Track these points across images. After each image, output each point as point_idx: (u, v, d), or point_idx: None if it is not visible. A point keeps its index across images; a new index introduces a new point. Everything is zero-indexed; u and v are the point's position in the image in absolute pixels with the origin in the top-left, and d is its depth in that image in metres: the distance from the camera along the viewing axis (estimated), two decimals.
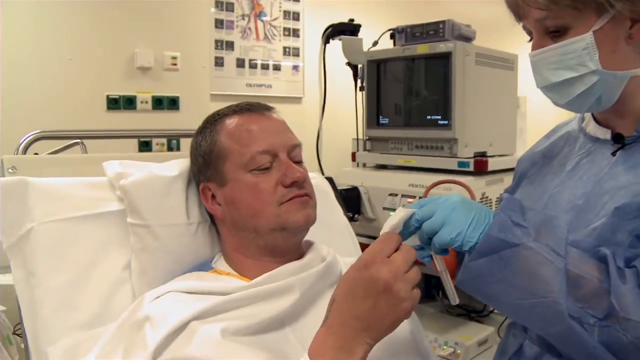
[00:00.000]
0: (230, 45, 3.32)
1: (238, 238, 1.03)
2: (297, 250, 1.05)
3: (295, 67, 3.66)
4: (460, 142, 1.92)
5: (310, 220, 1.02)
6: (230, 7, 3.29)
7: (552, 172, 1.05)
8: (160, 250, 1.07)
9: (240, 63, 3.39)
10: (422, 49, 1.96)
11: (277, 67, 3.56)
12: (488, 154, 2.02)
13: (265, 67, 3.51)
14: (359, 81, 2.35)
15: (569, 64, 0.90)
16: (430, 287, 2.53)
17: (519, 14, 0.94)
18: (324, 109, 2.37)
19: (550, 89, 0.95)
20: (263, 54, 3.48)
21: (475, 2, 4.83)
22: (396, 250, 0.79)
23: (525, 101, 2.33)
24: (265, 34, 3.47)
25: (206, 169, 1.05)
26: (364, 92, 2.36)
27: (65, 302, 1.03)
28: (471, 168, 1.90)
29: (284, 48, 3.59)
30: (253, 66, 3.44)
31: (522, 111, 2.26)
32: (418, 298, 0.77)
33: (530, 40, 0.96)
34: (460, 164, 1.92)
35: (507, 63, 2.10)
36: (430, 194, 1.09)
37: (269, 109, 1.10)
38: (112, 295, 1.07)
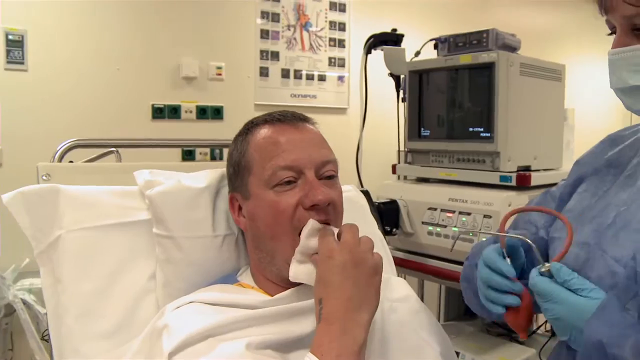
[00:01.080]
0: (275, 56, 3.35)
1: (257, 256, 1.01)
2: None
3: (341, 78, 3.65)
4: (503, 156, 1.85)
5: None
6: (276, 18, 3.32)
7: (617, 184, 0.97)
8: (184, 262, 1.06)
9: (285, 73, 3.41)
10: (464, 59, 1.90)
11: (322, 78, 3.57)
12: (532, 168, 1.94)
13: (310, 77, 3.51)
14: (401, 92, 2.31)
15: None
16: None
17: (606, 6, 0.87)
18: (364, 120, 2.34)
19: (626, 92, 0.89)
20: (308, 64, 3.49)
21: (521, 11, 4.72)
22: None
23: (573, 113, 2.24)
24: (310, 45, 3.48)
25: (235, 179, 1.03)
26: (405, 103, 2.32)
27: (89, 310, 1.03)
28: (513, 182, 1.83)
29: (329, 58, 3.59)
30: (298, 76, 3.46)
31: (569, 124, 2.16)
32: (380, 256, 0.87)
33: (611, 34, 0.91)
34: (502, 178, 1.84)
35: (554, 74, 2.02)
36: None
37: (305, 119, 1.05)
38: (137, 305, 1.07)
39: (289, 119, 1.03)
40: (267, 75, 3.33)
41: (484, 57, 1.84)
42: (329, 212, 0.96)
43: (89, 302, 1.03)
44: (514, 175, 1.83)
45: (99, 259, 1.07)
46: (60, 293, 1.03)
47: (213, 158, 3.12)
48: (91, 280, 1.05)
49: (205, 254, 1.07)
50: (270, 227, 0.95)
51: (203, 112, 3.08)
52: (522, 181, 1.82)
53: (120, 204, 1.14)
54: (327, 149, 1.02)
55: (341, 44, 3.63)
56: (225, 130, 3.18)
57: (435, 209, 1.94)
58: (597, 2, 0.90)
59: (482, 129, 1.91)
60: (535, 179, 1.86)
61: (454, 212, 1.88)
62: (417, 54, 2.16)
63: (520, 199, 1.82)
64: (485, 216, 1.78)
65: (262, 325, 0.89)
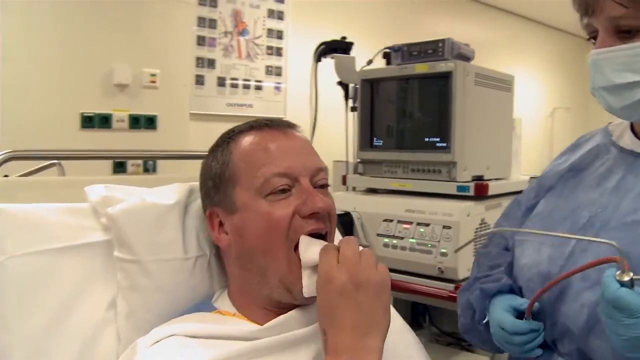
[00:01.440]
0: (211, 63, 3.23)
1: (241, 278, 0.90)
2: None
3: (277, 87, 3.57)
4: (460, 166, 1.83)
5: None
6: (212, 25, 3.20)
7: (585, 186, 1.02)
8: (152, 289, 0.93)
9: (221, 82, 3.29)
10: (420, 68, 1.87)
11: (258, 87, 3.48)
12: (485, 178, 1.94)
13: (246, 86, 3.41)
14: (350, 101, 2.26)
15: (636, 67, 0.87)
16: (417, 315, 2.43)
17: (592, 8, 0.89)
18: (314, 129, 2.28)
19: (610, 91, 0.91)
20: (245, 72, 3.40)
21: (465, 22, 4.86)
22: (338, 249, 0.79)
23: (520, 123, 2.27)
24: (247, 53, 3.38)
25: (215, 192, 0.92)
26: (355, 112, 2.27)
27: (39, 350, 0.89)
28: (471, 192, 1.81)
29: (267, 67, 3.51)
30: (234, 85, 3.35)
31: (517, 133, 2.19)
32: (386, 270, 0.78)
33: (589, 39, 0.94)
34: (460, 189, 1.83)
35: (505, 84, 2.04)
36: None
37: (292, 126, 0.98)
38: (95, 339, 0.93)
39: (276, 124, 0.96)
40: (202, 83, 3.20)
41: (441, 67, 1.82)
42: (326, 221, 0.89)
43: (39, 340, 0.89)
44: (471, 185, 1.82)
45: (49, 289, 0.93)
46: (1, 332, 0.88)
47: (146, 170, 2.95)
48: (40, 314, 0.91)
49: (175, 278, 0.95)
50: (262, 240, 0.86)
51: (136, 122, 2.90)
52: (480, 191, 1.81)
53: (70, 224, 1.00)
54: (318, 156, 0.95)
55: (278, 52, 3.55)
56: (159, 141, 3.03)
57: (392, 221, 1.89)
58: (580, 5, 0.92)
59: (438, 139, 1.88)
60: (491, 188, 1.85)
61: (411, 223, 1.84)
62: (370, 62, 2.12)
63: (478, 209, 1.81)
64: (444, 227, 1.75)
65: (259, 358, 0.79)
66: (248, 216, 0.87)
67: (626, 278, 0.72)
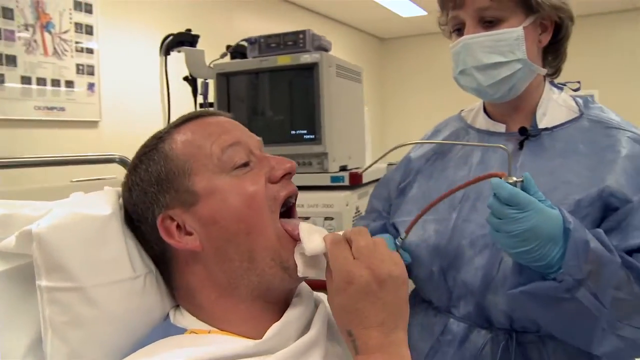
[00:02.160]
0: (12, 60, 2.79)
1: (223, 275, 0.76)
2: (293, 290, 0.84)
3: (91, 87, 3.24)
4: (330, 157, 1.84)
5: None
6: (8, 14, 2.77)
7: (452, 165, 1.17)
8: (101, 320, 0.75)
9: (26, 82, 2.87)
10: (283, 60, 1.83)
11: (70, 87, 3.11)
12: (348, 167, 1.98)
13: (56, 87, 3.03)
14: (200, 97, 2.14)
15: (501, 50, 1.04)
16: None
17: (462, 1, 1.05)
18: None
19: (480, 70, 1.06)
20: (53, 71, 3.01)
21: (269, 20, 4.91)
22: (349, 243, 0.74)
23: (368, 114, 2.37)
24: (54, 49, 3.00)
25: (164, 194, 0.77)
26: (204, 109, 2.15)
27: None
28: (346, 182, 1.83)
29: (77, 65, 3.15)
30: (42, 86, 2.95)
31: (367, 123, 2.27)
32: (400, 259, 0.73)
33: (453, 32, 1.11)
34: (335, 179, 1.83)
35: (357, 75, 2.09)
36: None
37: (221, 113, 0.88)
38: None
39: (205, 114, 0.86)
40: (2, 83, 2.76)
41: (305, 58, 1.80)
42: (293, 184, 0.83)
43: None
44: (346, 175, 1.83)
45: None
46: None
47: None
48: None
49: (127, 303, 0.77)
50: (244, 217, 0.75)
51: None
52: (355, 180, 1.83)
53: None
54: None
55: (89, 49, 3.22)
56: None
57: None
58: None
59: (305, 131, 1.86)
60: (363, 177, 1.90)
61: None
62: (224, 55, 2.02)
63: (352, 198, 1.84)
64: (326, 218, 1.75)
65: None
66: (217, 198, 0.75)
67: (510, 181, 0.87)
